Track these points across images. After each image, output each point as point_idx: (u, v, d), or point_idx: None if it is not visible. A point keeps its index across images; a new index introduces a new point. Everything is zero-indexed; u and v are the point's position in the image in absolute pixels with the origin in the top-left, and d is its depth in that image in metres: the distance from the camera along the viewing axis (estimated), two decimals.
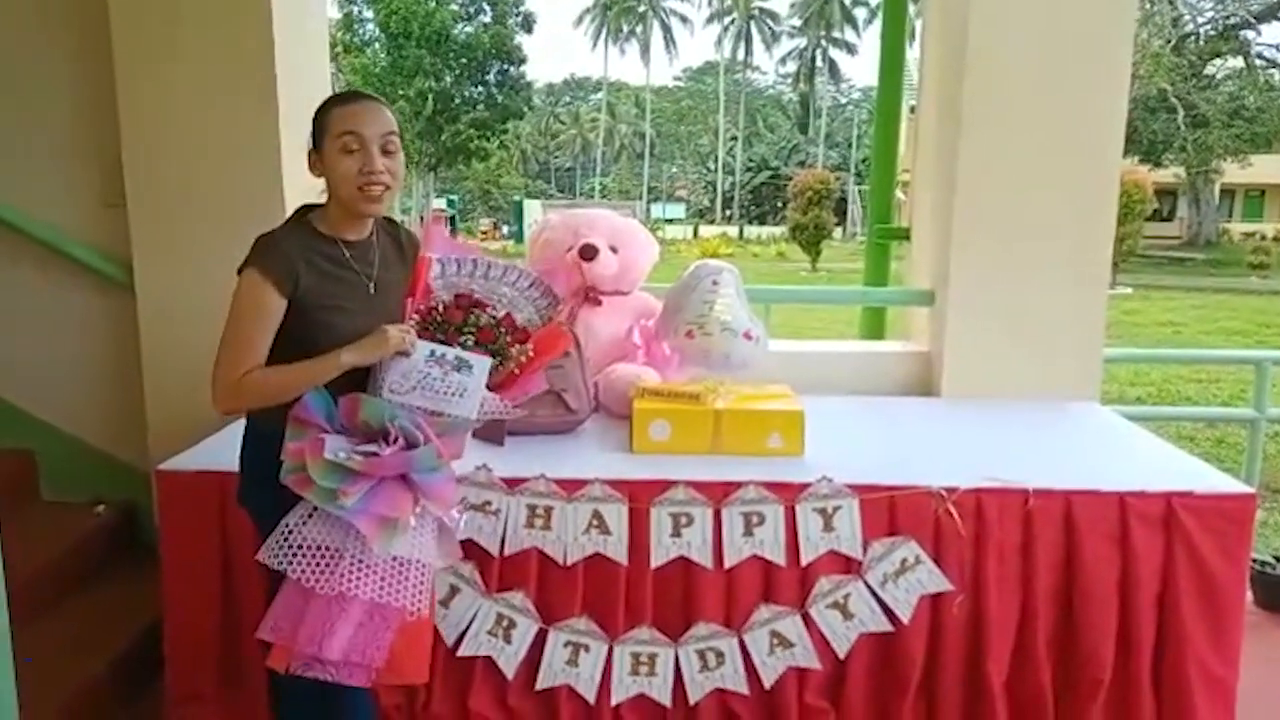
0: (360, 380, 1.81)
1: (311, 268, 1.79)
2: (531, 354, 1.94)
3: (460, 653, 2.24)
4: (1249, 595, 2.71)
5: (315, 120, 1.84)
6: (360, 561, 1.74)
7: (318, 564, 1.73)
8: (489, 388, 1.86)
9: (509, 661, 2.24)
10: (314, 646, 1.73)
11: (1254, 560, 3.12)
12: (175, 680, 2.33)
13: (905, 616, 2.20)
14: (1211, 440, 6.47)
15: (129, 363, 3.10)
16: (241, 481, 1.94)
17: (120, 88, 2.96)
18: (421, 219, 34.60)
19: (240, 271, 1.77)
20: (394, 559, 1.77)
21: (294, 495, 1.74)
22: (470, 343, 1.87)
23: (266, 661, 1.82)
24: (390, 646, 1.80)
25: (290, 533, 1.75)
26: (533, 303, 2.02)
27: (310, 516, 1.75)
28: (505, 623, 2.23)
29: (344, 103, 1.83)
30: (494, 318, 1.94)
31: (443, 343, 1.85)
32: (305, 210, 1.90)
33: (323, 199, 1.88)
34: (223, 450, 2.28)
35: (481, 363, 1.81)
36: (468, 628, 2.23)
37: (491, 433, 2.50)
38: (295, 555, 1.74)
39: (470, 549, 2.22)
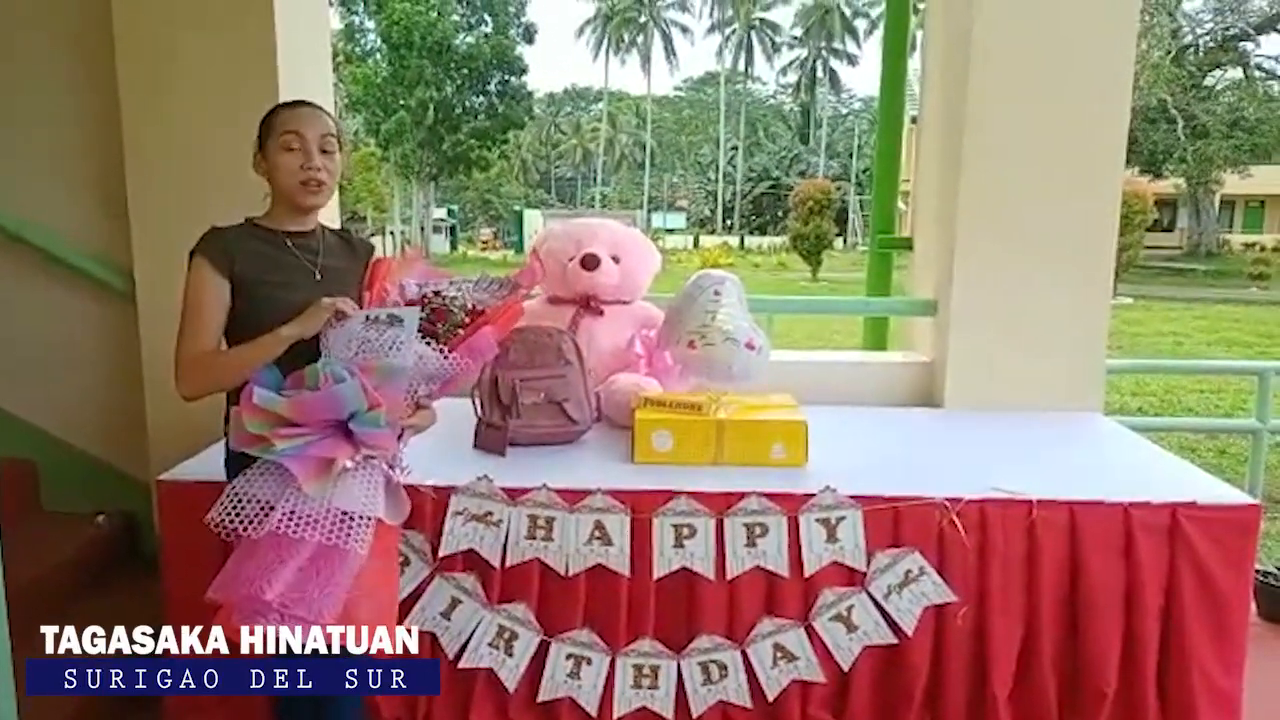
0: (314, 359, 1.84)
1: (248, 250, 1.90)
2: (472, 310, 1.96)
3: (461, 665, 2.23)
4: (1253, 606, 2.69)
5: (261, 125, 1.96)
6: (300, 513, 1.73)
7: (256, 516, 1.74)
8: (446, 352, 1.88)
9: (510, 674, 2.23)
10: (253, 587, 1.71)
11: (1258, 571, 3.10)
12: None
13: (909, 628, 2.19)
14: (1214, 451, 6.46)
15: (130, 373, 3.09)
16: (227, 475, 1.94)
17: (123, 97, 2.97)
18: (423, 228, 34.64)
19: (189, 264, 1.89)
20: (338, 512, 1.76)
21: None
22: (425, 317, 1.89)
23: (213, 622, 1.80)
24: (346, 611, 1.78)
25: (234, 492, 1.76)
26: (492, 294, 2.04)
27: (254, 477, 1.77)
28: (507, 635, 2.22)
29: (287, 107, 1.98)
30: (452, 301, 1.95)
31: None
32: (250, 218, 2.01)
33: (266, 204, 1.98)
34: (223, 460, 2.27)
35: (410, 314, 1.84)
36: (469, 640, 2.22)
37: (493, 443, 2.50)
38: (237, 513, 1.75)
39: (472, 560, 2.21)
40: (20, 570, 2.65)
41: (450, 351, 1.89)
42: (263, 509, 1.75)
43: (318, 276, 1.94)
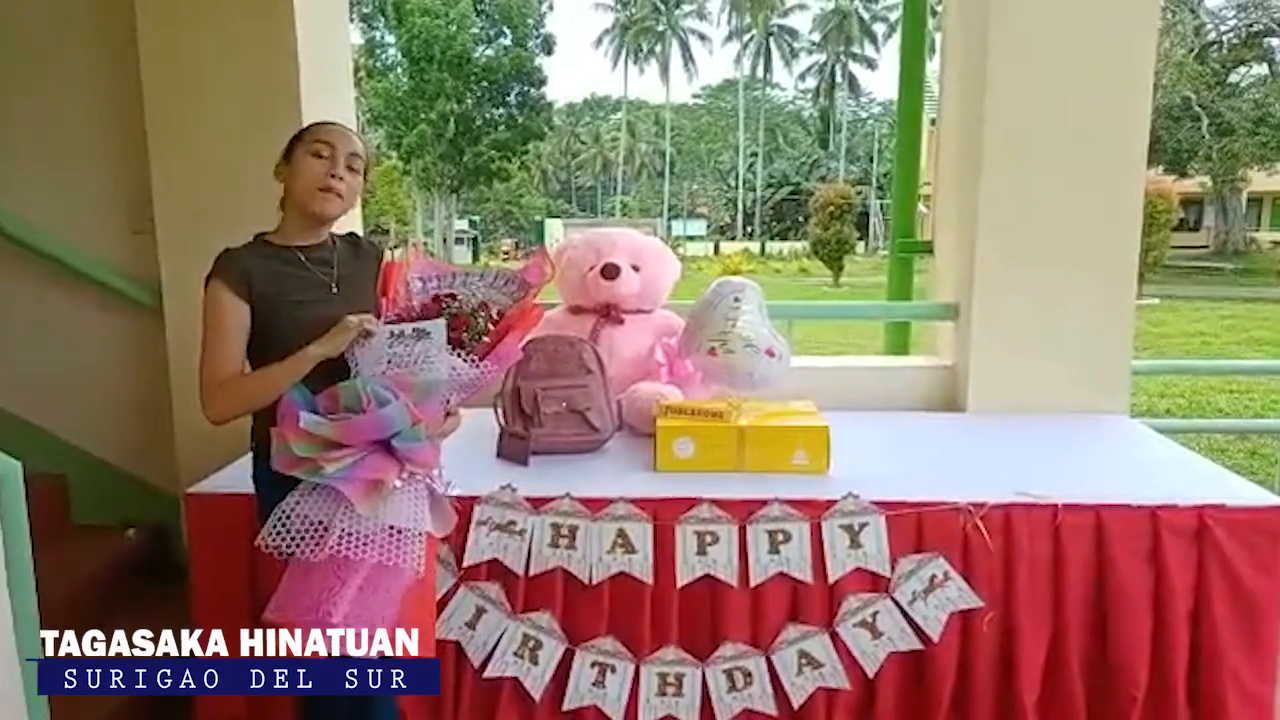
0: (341, 377, 1.86)
1: (263, 270, 1.89)
2: (496, 318, 1.97)
3: (486, 674, 2.24)
4: None
5: (292, 140, 1.98)
6: (355, 532, 1.76)
7: (312, 540, 1.76)
8: (474, 361, 1.89)
9: (535, 683, 2.23)
10: (319, 613, 1.74)
11: None
12: (207, 703, 2.34)
13: (935, 634, 2.18)
14: (1244, 452, 6.37)
15: (158, 386, 3.13)
16: (256, 502, 1.97)
17: (149, 115, 3.01)
18: (445, 240, 34.83)
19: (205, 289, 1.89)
20: (390, 529, 1.80)
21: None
22: (447, 325, 1.90)
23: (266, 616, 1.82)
24: (400, 620, 1.82)
25: (284, 515, 1.78)
26: (503, 292, 2.05)
27: (303, 498, 1.79)
28: (531, 643, 2.23)
29: (321, 124, 2.00)
30: (469, 304, 1.97)
31: None
32: (261, 233, 2.01)
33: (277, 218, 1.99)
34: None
35: (437, 325, 1.85)
36: (494, 649, 2.23)
37: (516, 453, 2.52)
38: (289, 534, 1.77)
39: (495, 569, 2.22)
40: (52, 583, 2.68)
41: (480, 360, 1.90)
42: (317, 530, 1.77)
43: (334, 289, 1.96)
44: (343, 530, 1.76)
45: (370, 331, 1.84)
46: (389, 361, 1.83)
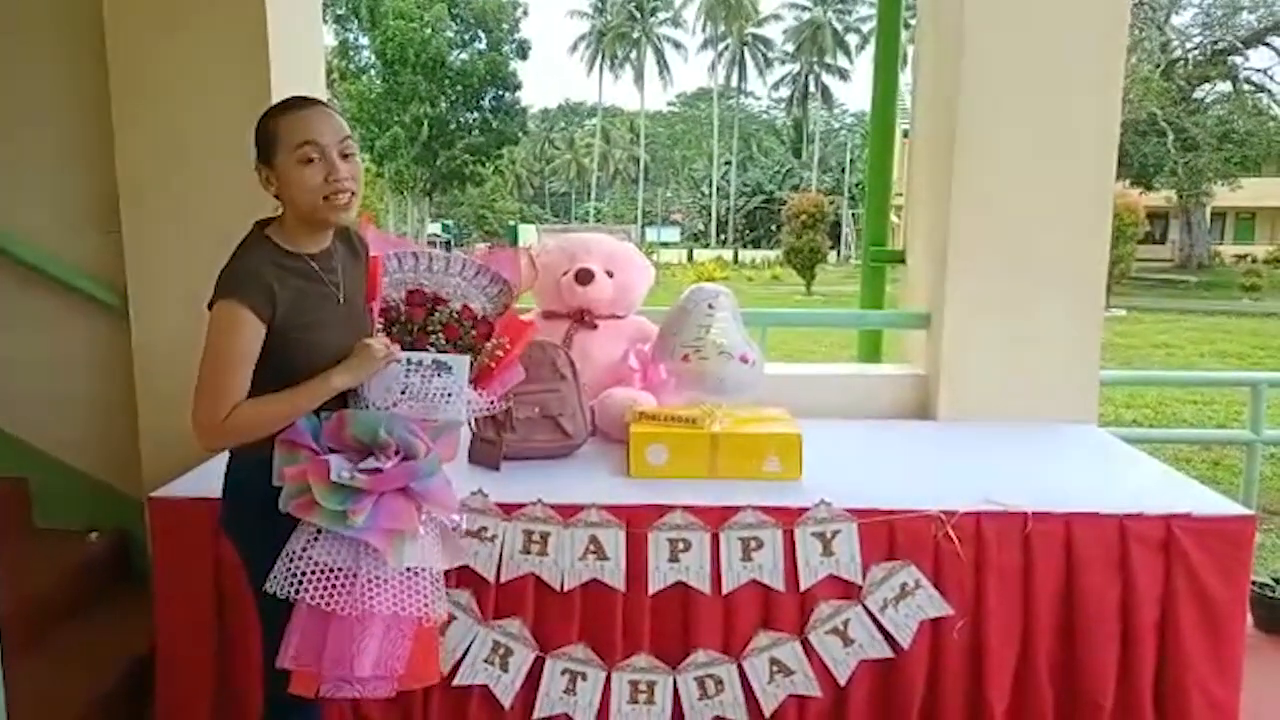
0: (341, 397, 1.79)
1: (286, 287, 1.72)
2: (508, 346, 1.95)
3: (456, 682, 2.21)
4: (1249, 618, 2.69)
5: (261, 131, 1.75)
6: (376, 577, 1.73)
7: (332, 585, 1.71)
8: (481, 392, 1.87)
9: (505, 690, 2.21)
10: (344, 667, 1.71)
11: (1253, 582, 3.10)
12: (167, 710, 2.30)
13: (905, 642, 2.19)
14: (1208, 462, 6.47)
15: (123, 389, 3.08)
16: (226, 507, 1.90)
17: (115, 113, 2.96)
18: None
19: (213, 305, 1.70)
20: (406, 571, 1.77)
21: (284, 520, 1.72)
22: (440, 341, 1.87)
23: (290, 689, 1.78)
24: (408, 657, 1.80)
25: (296, 559, 1.73)
26: (483, 290, 1.99)
27: (315, 540, 1.73)
28: (502, 650, 2.21)
29: (292, 109, 1.75)
30: (453, 311, 1.92)
31: (410, 346, 1.85)
32: (261, 225, 1.82)
33: (277, 212, 1.82)
34: (216, 478, 2.23)
35: (460, 362, 1.81)
36: (464, 656, 2.21)
37: (487, 458, 2.50)
38: (305, 580, 1.71)
39: (466, 575, 2.20)
40: (13, 587, 2.64)
41: (489, 390, 1.89)
42: (332, 575, 1.72)
43: (341, 301, 1.82)
44: (367, 574, 1.72)
45: (394, 358, 1.77)
46: (403, 392, 1.77)
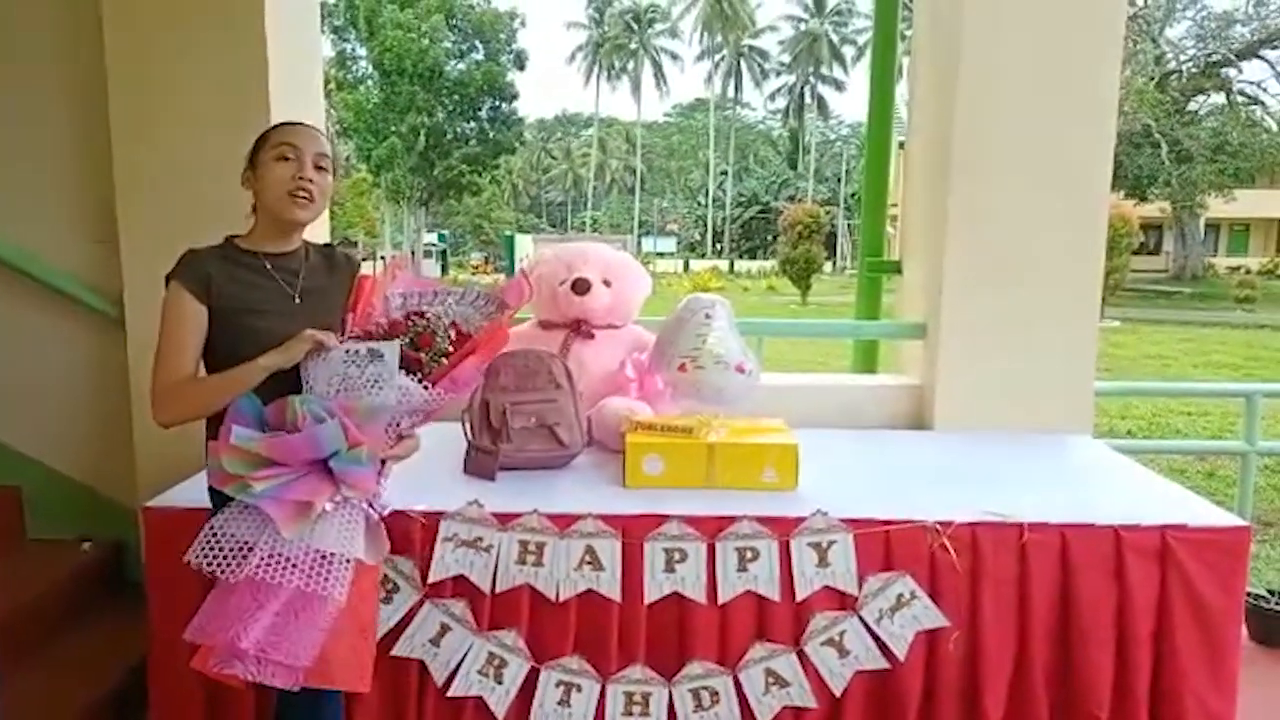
0: (293, 388, 1.83)
1: (226, 275, 1.86)
2: (454, 339, 1.94)
3: (450, 693, 2.20)
4: (1244, 629, 2.69)
5: (256, 144, 1.93)
6: (278, 554, 1.73)
7: (233, 557, 1.73)
8: (422, 381, 1.86)
9: (500, 702, 2.20)
10: (228, 635, 1.70)
11: (1248, 594, 3.10)
12: (164, 704, 2.28)
13: (901, 653, 2.18)
14: (1202, 473, 6.48)
15: (117, 399, 3.07)
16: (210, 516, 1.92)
17: (114, 123, 2.97)
18: (414, 253, 34.70)
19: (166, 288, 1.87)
20: (316, 553, 1.76)
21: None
22: (407, 345, 1.87)
23: (191, 663, 1.79)
24: (323, 649, 1.77)
25: (213, 531, 1.75)
26: (479, 310, 2.02)
27: (232, 516, 1.76)
28: (496, 662, 2.20)
29: (285, 124, 1.96)
30: (436, 325, 1.93)
31: None
32: (231, 236, 1.97)
33: (248, 224, 1.95)
34: None
35: (390, 348, 1.82)
36: (458, 667, 2.20)
37: (483, 468, 2.49)
38: (214, 552, 1.74)
39: (461, 586, 2.20)
40: (5, 597, 2.63)
41: (434, 384, 1.87)
42: (241, 549, 1.74)
43: (297, 300, 1.92)
44: (266, 552, 1.72)
45: (325, 346, 1.81)
46: (341, 381, 1.80)
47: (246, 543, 1.74)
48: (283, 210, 1.88)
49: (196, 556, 1.74)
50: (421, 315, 1.95)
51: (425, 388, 1.86)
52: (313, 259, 2.00)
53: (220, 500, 1.81)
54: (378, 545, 1.92)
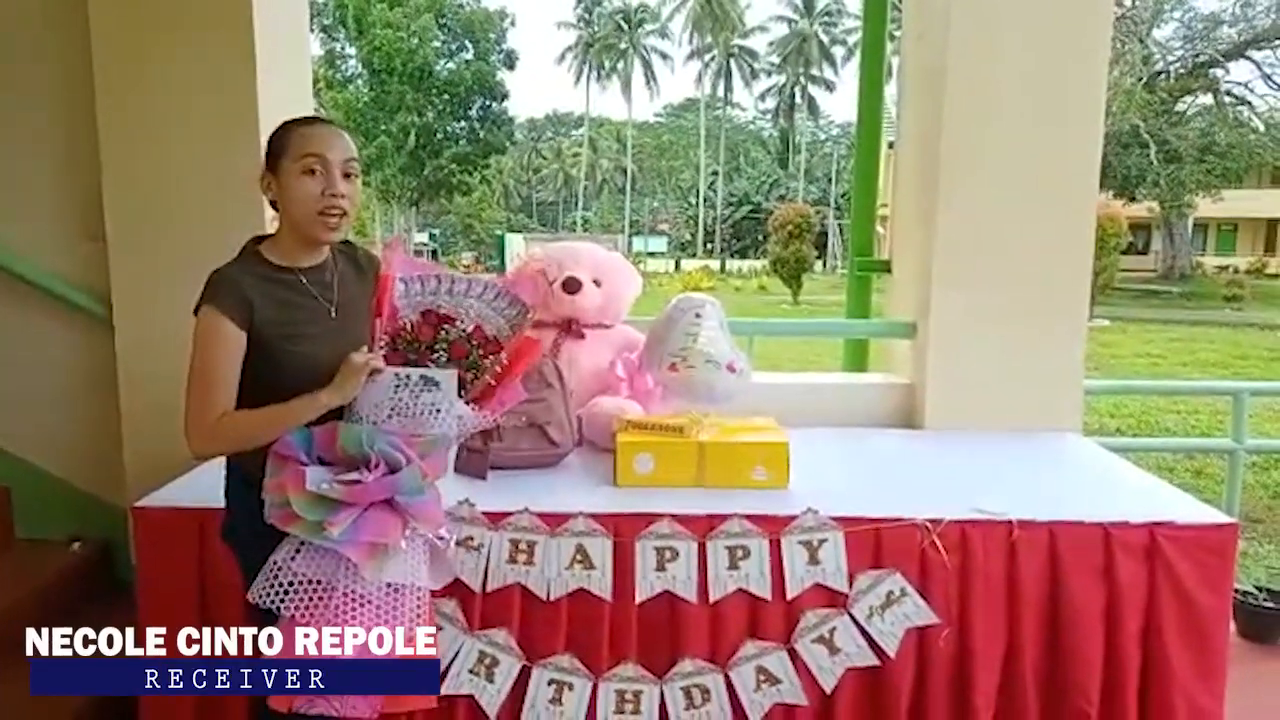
0: (335, 411, 1.78)
1: (267, 298, 1.75)
2: (505, 363, 1.93)
3: (442, 692, 2.20)
4: (1231, 626, 2.71)
5: (273, 142, 1.79)
6: (354, 592, 1.72)
7: (310, 599, 1.71)
8: (467, 402, 1.84)
9: (491, 701, 2.20)
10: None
11: (1236, 591, 3.12)
12: (153, 708, 2.27)
13: (891, 650, 2.19)
14: (1191, 471, 6.51)
15: (106, 398, 3.06)
16: (226, 517, 1.91)
17: (101, 121, 2.96)
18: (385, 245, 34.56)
19: (196, 312, 1.73)
20: (388, 586, 1.75)
21: (278, 532, 1.71)
22: (443, 359, 1.85)
23: (269, 703, 1.77)
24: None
25: (279, 570, 1.72)
26: (501, 313, 1.97)
27: (298, 551, 1.73)
28: (488, 661, 2.20)
29: (305, 125, 1.79)
30: (463, 331, 1.90)
31: (414, 363, 1.83)
32: (255, 241, 1.85)
33: (273, 228, 1.85)
34: (200, 487, 2.26)
35: (447, 377, 1.79)
36: (449, 666, 2.19)
37: (474, 467, 2.49)
38: (286, 592, 1.71)
39: (452, 585, 2.19)
40: None
41: (482, 406, 1.86)
42: (314, 588, 1.71)
43: (333, 315, 1.83)
44: (345, 589, 1.71)
45: (377, 370, 1.75)
46: (392, 408, 1.76)
47: (319, 581, 1.71)
48: (313, 231, 1.77)
49: (264, 597, 1.71)
50: (449, 320, 1.90)
51: (476, 410, 1.84)
52: (341, 266, 1.90)
53: (248, 513, 1.76)
54: (442, 571, 1.90)
